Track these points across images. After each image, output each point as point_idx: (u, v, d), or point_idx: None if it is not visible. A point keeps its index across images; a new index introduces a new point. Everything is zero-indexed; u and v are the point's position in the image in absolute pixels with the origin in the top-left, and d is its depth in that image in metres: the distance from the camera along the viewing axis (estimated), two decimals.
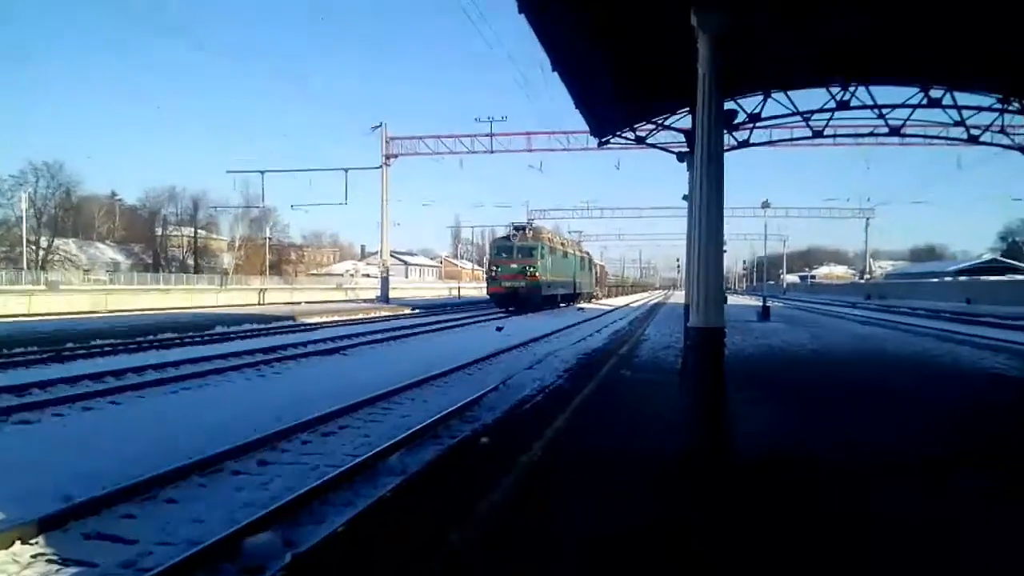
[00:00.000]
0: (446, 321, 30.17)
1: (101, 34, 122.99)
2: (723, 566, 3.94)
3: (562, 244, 47.36)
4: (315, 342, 19.46)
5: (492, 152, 42.02)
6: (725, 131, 8.15)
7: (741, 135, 12.13)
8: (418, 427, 8.41)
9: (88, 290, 44.52)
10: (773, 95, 11.12)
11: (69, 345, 17.31)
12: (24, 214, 53.33)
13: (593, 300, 58.19)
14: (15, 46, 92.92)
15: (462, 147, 42.73)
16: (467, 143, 42.54)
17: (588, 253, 61.62)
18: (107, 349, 17.14)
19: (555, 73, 8.75)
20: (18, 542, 4.92)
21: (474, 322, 30.28)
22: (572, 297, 49.03)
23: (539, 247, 38.46)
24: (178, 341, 19.60)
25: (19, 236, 53.10)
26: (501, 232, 42.06)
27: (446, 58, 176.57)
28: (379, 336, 21.55)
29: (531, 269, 37.43)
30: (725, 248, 7.79)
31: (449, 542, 4.13)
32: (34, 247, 56.47)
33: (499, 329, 24.81)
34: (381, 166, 44.71)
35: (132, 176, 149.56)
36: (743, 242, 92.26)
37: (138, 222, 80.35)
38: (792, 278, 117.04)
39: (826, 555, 4.09)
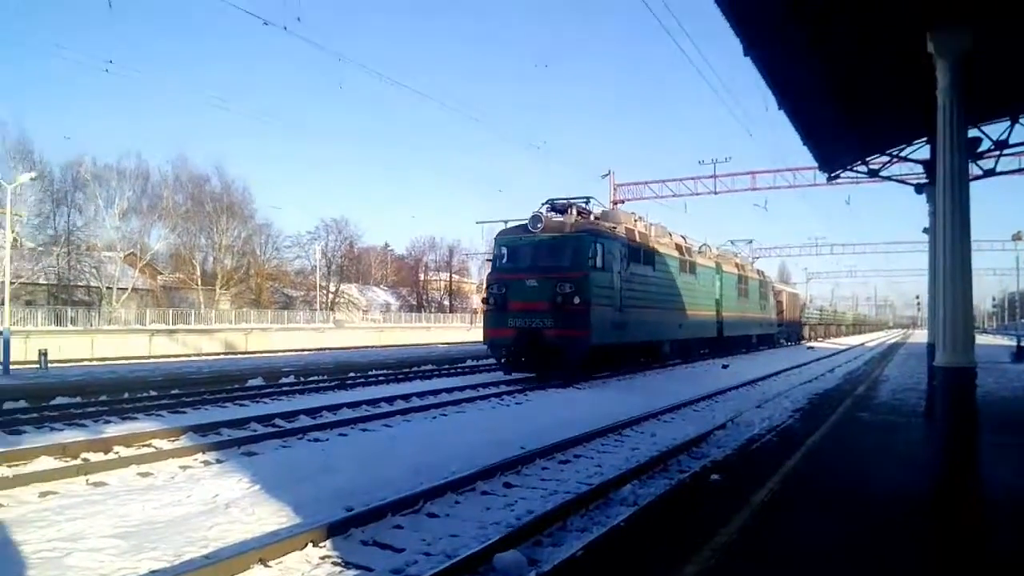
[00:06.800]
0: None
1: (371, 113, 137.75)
2: None
3: (678, 248, 24.58)
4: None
5: (716, 193, 40.43)
6: (969, 160, 7.15)
7: (986, 163, 10.57)
8: (647, 460, 8.22)
9: (366, 327, 49.85)
10: (1022, 120, 9.59)
11: (351, 374, 19.41)
12: (318, 263, 61.02)
13: (774, 347, 38.80)
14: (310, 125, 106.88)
15: (685, 189, 41.65)
16: (690, 185, 41.45)
17: (760, 272, 39.13)
18: (380, 378, 18.93)
19: (781, 111, 8.30)
20: (310, 544, 5.37)
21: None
22: (708, 345, 27.50)
23: (589, 243, 17.50)
24: (436, 372, 21.30)
25: (313, 282, 60.75)
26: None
27: (671, 106, 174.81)
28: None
29: (568, 290, 16.79)
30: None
31: (685, 573, 3.95)
32: (325, 291, 64.06)
33: (725, 367, 23.58)
34: None
35: (402, 229, 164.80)
36: (992, 277, 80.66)
37: (405, 268, 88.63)
38: None
39: None
